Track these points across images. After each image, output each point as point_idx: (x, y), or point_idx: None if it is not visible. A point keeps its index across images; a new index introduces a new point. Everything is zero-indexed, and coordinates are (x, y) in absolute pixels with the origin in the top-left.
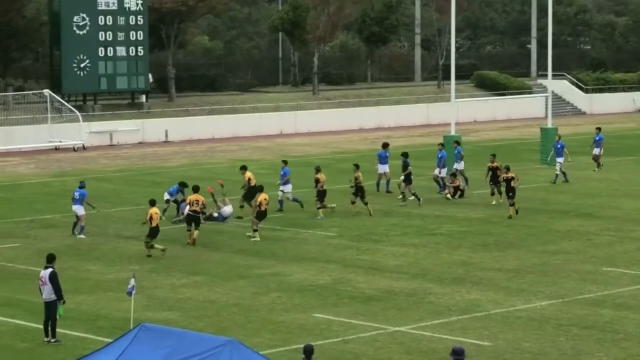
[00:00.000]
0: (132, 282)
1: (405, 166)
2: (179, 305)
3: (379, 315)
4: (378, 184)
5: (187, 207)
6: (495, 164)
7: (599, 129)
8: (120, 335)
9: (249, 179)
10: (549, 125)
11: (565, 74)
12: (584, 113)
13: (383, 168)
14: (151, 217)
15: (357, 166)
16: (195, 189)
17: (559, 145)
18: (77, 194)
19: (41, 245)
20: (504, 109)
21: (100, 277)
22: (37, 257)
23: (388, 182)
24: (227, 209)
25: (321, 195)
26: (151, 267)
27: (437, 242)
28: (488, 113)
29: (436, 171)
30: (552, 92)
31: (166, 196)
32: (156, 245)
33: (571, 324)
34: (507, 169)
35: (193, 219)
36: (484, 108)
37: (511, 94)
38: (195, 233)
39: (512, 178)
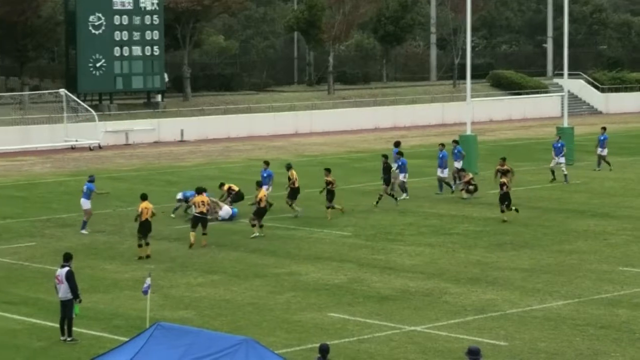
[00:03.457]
0: (148, 281)
1: (387, 168)
2: (194, 304)
3: (395, 315)
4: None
5: (193, 208)
6: (505, 167)
7: (604, 128)
8: (136, 334)
9: (230, 188)
10: (565, 125)
11: (581, 73)
12: (600, 112)
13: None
14: (141, 212)
15: (328, 170)
16: (199, 191)
17: (558, 145)
18: (85, 188)
19: (57, 244)
20: (519, 109)
21: (117, 276)
22: (53, 256)
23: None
24: (222, 212)
25: (294, 193)
26: (167, 266)
27: (453, 242)
28: (504, 112)
29: (438, 172)
30: (568, 91)
31: (179, 196)
32: (145, 253)
33: (587, 324)
34: (504, 173)
35: (200, 221)
36: (500, 107)
37: (527, 93)
38: (204, 238)
39: (504, 184)
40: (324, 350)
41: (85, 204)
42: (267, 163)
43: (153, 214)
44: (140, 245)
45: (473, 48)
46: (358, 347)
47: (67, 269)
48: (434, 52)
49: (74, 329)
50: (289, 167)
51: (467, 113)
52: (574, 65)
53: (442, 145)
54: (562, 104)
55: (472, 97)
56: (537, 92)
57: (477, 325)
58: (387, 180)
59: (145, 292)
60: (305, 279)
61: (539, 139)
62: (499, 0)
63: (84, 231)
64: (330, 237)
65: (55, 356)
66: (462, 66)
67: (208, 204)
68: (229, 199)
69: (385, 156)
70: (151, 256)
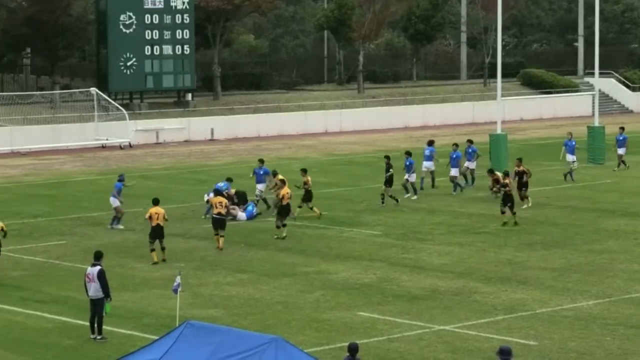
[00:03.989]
0: (178, 279)
1: (387, 169)
2: (224, 303)
3: (424, 314)
4: (422, 181)
5: (211, 210)
6: (521, 168)
7: (622, 128)
8: (166, 333)
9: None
10: (596, 124)
11: (612, 72)
12: (632, 111)
13: (427, 165)
14: (150, 217)
15: (304, 171)
16: (217, 192)
17: (572, 143)
18: (114, 186)
19: (88, 242)
20: (550, 108)
21: (147, 275)
22: (84, 255)
23: (433, 179)
24: (239, 216)
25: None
26: (197, 265)
27: (483, 241)
28: (534, 111)
29: (452, 171)
30: (599, 90)
31: (206, 197)
32: (154, 257)
33: (618, 324)
34: (506, 174)
35: (219, 222)
36: (531, 106)
37: (558, 92)
38: (221, 240)
39: (506, 185)
40: (353, 349)
41: (114, 202)
42: (261, 161)
43: (165, 219)
44: (152, 250)
45: (504, 47)
46: (387, 347)
47: (98, 267)
48: (464, 50)
49: (103, 327)
50: (275, 173)
51: (498, 112)
52: (605, 64)
53: (456, 145)
54: (593, 103)
55: (503, 96)
56: (568, 91)
57: (507, 325)
58: (388, 182)
59: (175, 291)
60: (335, 277)
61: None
62: None
63: (120, 226)
64: (360, 236)
65: (86, 354)
66: (493, 65)
67: (226, 205)
68: (238, 204)
69: (388, 157)
70: (167, 260)
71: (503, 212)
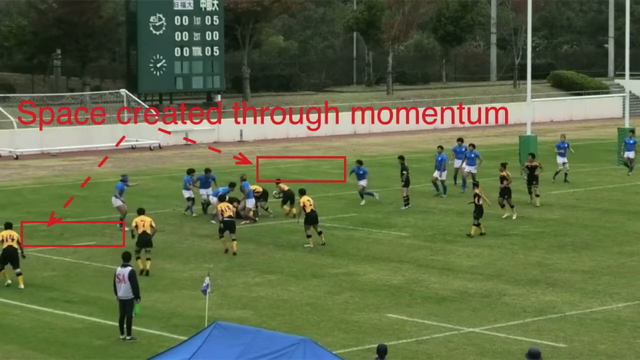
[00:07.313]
0: (207, 280)
1: (402, 170)
2: (252, 304)
3: (453, 316)
4: (455, 178)
5: (221, 215)
6: (534, 164)
7: (632, 131)
8: (194, 333)
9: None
10: (627, 126)
11: None
12: None
13: (459, 163)
14: (136, 225)
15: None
16: (222, 199)
17: (565, 145)
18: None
19: (117, 243)
20: (580, 109)
21: (176, 276)
22: (113, 255)
23: (463, 179)
24: (249, 204)
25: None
26: (226, 266)
27: (513, 243)
28: (564, 113)
29: (435, 174)
30: (630, 92)
31: (213, 199)
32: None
33: None
34: (503, 165)
35: (230, 225)
36: (561, 108)
37: (588, 93)
38: (235, 244)
39: (505, 178)
40: (382, 350)
41: (116, 202)
42: (191, 170)
43: (152, 227)
44: (138, 258)
45: (534, 48)
46: (416, 348)
47: (129, 268)
48: (494, 52)
49: (133, 327)
50: (278, 180)
51: (528, 113)
52: (636, 65)
53: (441, 147)
54: (624, 104)
55: (533, 97)
56: (599, 93)
57: (536, 327)
58: (406, 182)
59: (204, 292)
60: (363, 279)
61: (600, 139)
62: (560, 0)
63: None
64: (389, 238)
65: (115, 354)
66: (523, 66)
67: (233, 208)
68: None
69: (402, 157)
70: (150, 274)
71: (502, 206)
